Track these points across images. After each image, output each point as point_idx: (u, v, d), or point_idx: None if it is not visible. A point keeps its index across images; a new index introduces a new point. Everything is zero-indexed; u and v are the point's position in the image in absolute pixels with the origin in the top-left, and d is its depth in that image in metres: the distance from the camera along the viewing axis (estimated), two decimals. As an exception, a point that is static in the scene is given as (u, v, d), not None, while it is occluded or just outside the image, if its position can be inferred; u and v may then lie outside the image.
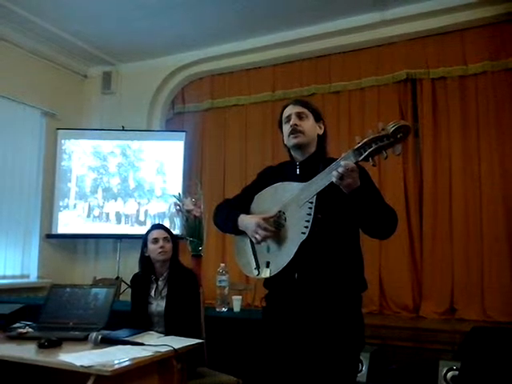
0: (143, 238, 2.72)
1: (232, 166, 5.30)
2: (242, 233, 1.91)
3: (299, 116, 1.91)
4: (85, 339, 2.14)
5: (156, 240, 2.65)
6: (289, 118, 1.93)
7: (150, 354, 1.93)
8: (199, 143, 5.55)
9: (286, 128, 1.93)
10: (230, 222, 1.93)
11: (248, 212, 1.94)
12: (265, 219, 1.79)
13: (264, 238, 1.78)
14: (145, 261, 2.69)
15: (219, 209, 2.07)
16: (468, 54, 4.34)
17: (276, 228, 1.79)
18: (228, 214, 1.97)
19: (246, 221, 1.86)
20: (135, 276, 2.77)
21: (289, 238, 1.75)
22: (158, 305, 2.60)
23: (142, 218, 5.26)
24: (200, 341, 2.29)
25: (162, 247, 2.63)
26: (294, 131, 1.88)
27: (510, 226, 4.03)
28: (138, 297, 2.68)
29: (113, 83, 5.61)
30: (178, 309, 2.54)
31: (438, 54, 4.46)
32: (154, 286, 2.65)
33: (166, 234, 2.68)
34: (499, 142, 4.15)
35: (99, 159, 5.33)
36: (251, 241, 1.89)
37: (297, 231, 1.71)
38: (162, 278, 2.66)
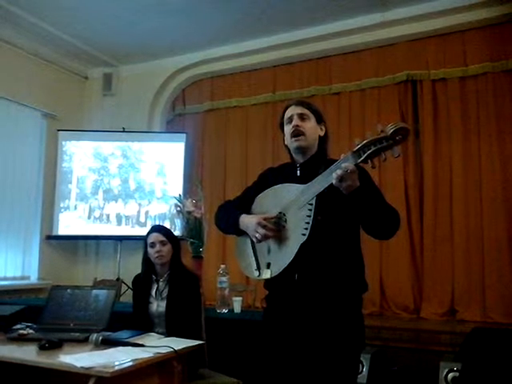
0: (144, 240, 2.72)
1: (232, 168, 5.30)
2: (243, 233, 1.91)
3: (301, 117, 1.91)
4: (85, 340, 2.14)
5: (153, 244, 2.64)
6: (291, 118, 1.93)
7: (150, 355, 1.94)
8: (200, 144, 5.55)
9: (288, 129, 1.93)
10: (232, 222, 1.93)
11: (249, 213, 1.94)
12: (265, 219, 1.80)
13: (264, 237, 1.78)
14: (147, 262, 2.69)
15: (220, 210, 2.07)
16: (468, 55, 4.34)
17: (276, 229, 1.79)
18: (229, 215, 1.97)
19: (246, 220, 1.87)
20: (136, 277, 2.77)
21: (289, 239, 1.75)
22: (159, 305, 2.60)
23: (142, 219, 5.26)
24: (200, 342, 2.29)
25: (158, 251, 2.61)
26: (296, 132, 1.89)
27: (511, 227, 4.03)
28: (139, 297, 2.68)
29: (113, 85, 5.62)
30: (178, 310, 2.54)
31: (438, 55, 4.46)
32: (155, 287, 2.65)
33: (163, 238, 2.64)
34: (500, 143, 4.15)
35: (100, 160, 5.33)
36: (252, 242, 1.89)
37: (297, 233, 1.72)
38: (162, 278, 2.65)
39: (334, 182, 1.61)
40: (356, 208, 1.70)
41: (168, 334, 2.44)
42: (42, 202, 5.07)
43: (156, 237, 2.65)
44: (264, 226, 1.78)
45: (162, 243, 2.63)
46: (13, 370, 2.07)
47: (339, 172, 1.58)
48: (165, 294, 2.61)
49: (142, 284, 2.69)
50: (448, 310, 4.15)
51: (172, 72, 5.51)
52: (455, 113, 4.36)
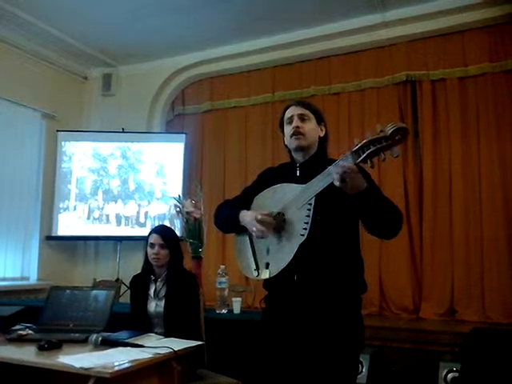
0: (146, 239, 2.72)
1: (232, 168, 5.30)
2: (242, 231, 1.91)
3: (301, 118, 1.91)
4: (85, 341, 2.14)
5: (152, 245, 2.64)
6: (291, 119, 1.93)
7: (149, 355, 1.93)
8: (199, 145, 5.55)
9: (288, 129, 1.93)
10: (232, 219, 1.94)
11: (248, 212, 1.94)
12: (264, 214, 1.80)
13: (262, 231, 1.78)
14: (147, 261, 2.70)
15: (220, 209, 2.08)
16: (468, 55, 4.34)
17: (275, 223, 1.79)
18: (229, 213, 1.98)
19: (246, 215, 1.88)
20: (134, 277, 2.77)
21: (288, 239, 1.75)
22: (157, 305, 2.60)
23: (142, 219, 5.26)
24: (200, 342, 2.29)
25: (155, 254, 2.61)
26: (296, 133, 1.89)
27: (510, 227, 4.03)
28: (137, 298, 2.68)
29: (113, 85, 5.62)
30: (176, 310, 2.54)
31: (437, 56, 4.46)
32: (153, 287, 2.65)
33: (162, 241, 2.63)
34: (499, 143, 4.15)
35: (99, 161, 5.33)
36: (251, 242, 1.89)
37: (296, 233, 1.72)
38: (160, 278, 2.65)
39: (336, 183, 1.59)
40: (362, 208, 1.69)
41: (166, 333, 2.44)
42: (41, 202, 5.06)
43: (156, 238, 2.65)
44: (262, 221, 1.78)
45: (161, 246, 2.63)
46: (12, 370, 2.07)
47: (339, 171, 1.57)
48: (162, 293, 2.61)
49: (139, 284, 2.69)
50: (447, 310, 4.15)
51: (171, 72, 5.50)
52: (454, 113, 4.36)
